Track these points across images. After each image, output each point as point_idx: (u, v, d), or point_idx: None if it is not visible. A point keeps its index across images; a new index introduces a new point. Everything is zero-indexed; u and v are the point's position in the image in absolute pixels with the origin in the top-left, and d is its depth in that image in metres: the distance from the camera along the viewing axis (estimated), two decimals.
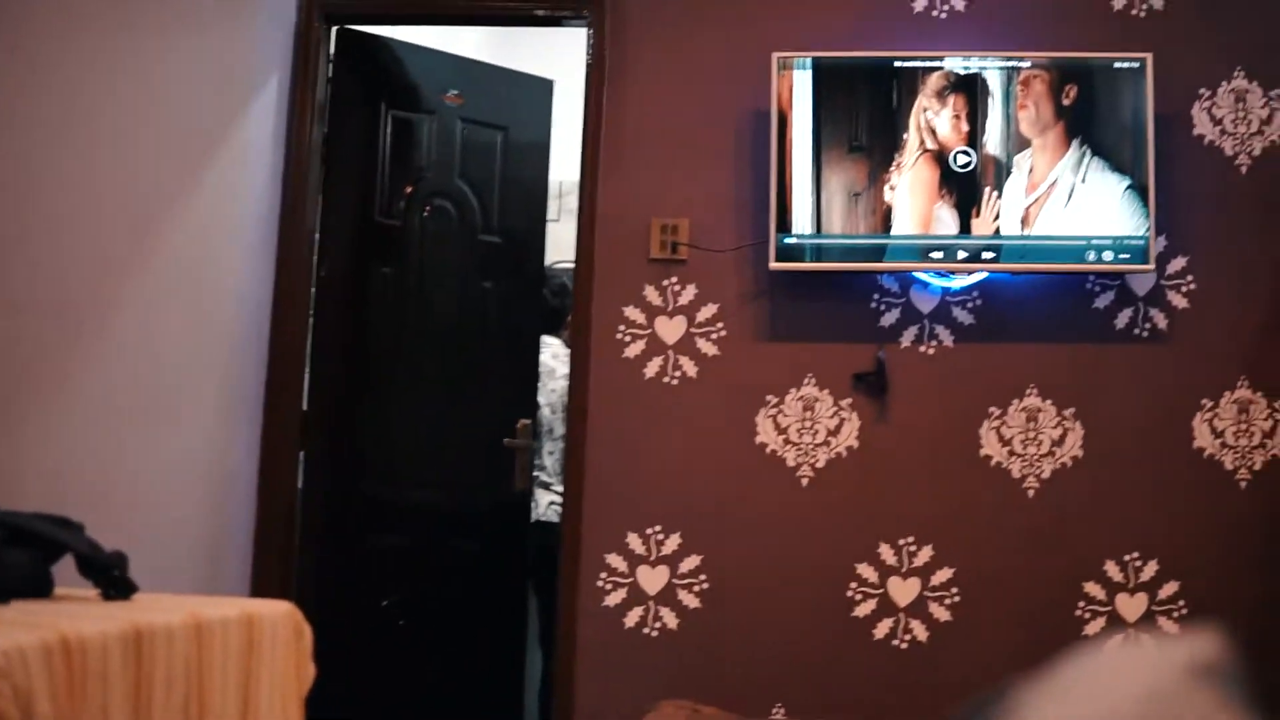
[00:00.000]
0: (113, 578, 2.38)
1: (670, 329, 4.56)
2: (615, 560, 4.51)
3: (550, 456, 5.33)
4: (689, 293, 4.56)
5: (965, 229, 4.38)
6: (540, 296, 5.32)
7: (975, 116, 4.42)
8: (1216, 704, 0.85)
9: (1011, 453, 4.43)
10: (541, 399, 5.33)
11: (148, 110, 3.91)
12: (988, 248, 4.37)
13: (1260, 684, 0.88)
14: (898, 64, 4.45)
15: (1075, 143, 4.38)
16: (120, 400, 3.81)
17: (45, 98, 3.45)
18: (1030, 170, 4.38)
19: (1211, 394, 4.41)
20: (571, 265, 4.71)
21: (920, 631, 4.40)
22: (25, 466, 3.40)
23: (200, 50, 4.20)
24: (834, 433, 4.48)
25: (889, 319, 4.50)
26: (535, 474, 5.25)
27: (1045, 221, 4.35)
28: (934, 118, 4.43)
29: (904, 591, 4.41)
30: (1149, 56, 4.38)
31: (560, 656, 4.54)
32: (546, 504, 5.28)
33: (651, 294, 4.58)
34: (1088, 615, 4.36)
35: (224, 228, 4.40)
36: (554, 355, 5.43)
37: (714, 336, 4.55)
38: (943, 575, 4.41)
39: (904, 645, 4.39)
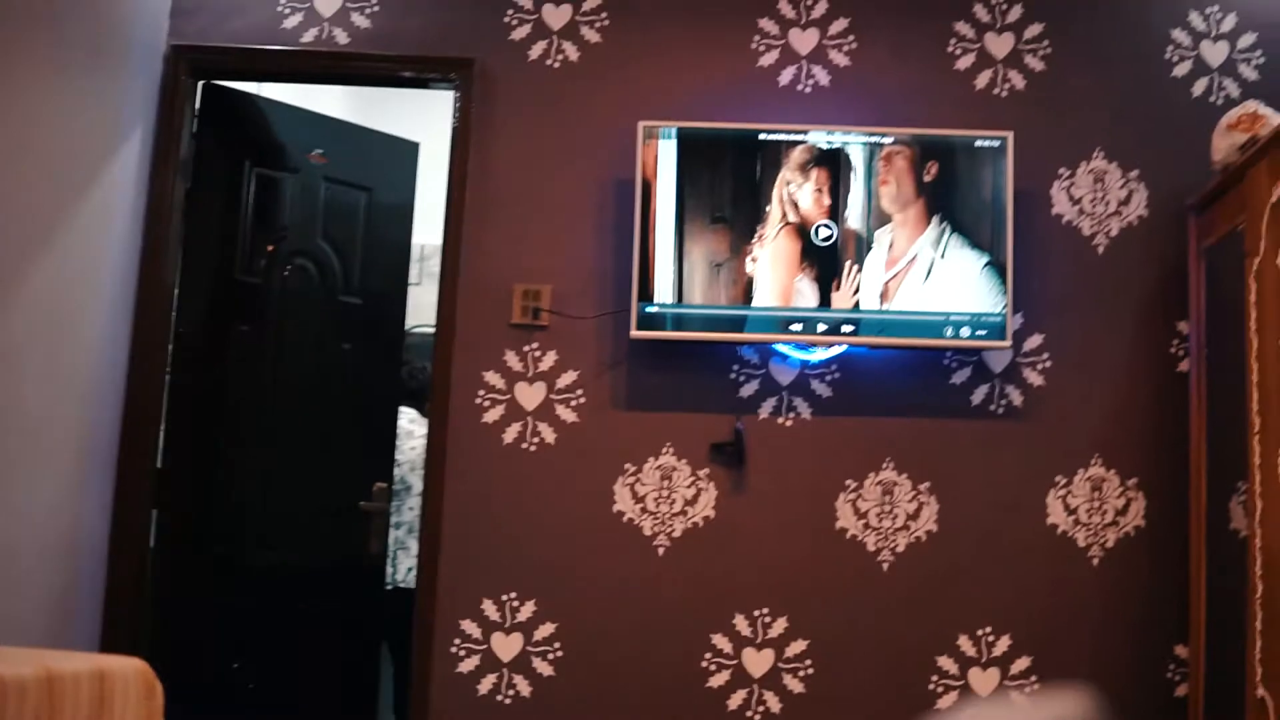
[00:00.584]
0: None
1: (530, 395, 4.53)
2: (469, 626, 4.45)
3: (411, 513, 5.29)
4: (550, 359, 4.54)
5: (825, 302, 4.39)
6: (398, 361, 5.27)
7: (837, 191, 4.45)
8: None
9: (867, 525, 4.43)
10: (400, 457, 5.29)
11: (11, 155, 3.83)
12: (847, 321, 4.39)
13: None
14: (762, 136, 4.47)
15: (936, 219, 4.41)
16: None
17: None
18: (891, 245, 4.41)
19: (1066, 471, 4.45)
20: (432, 330, 4.67)
21: (774, 703, 4.37)
22: None
23: (66, 98, 4.12)
24: (691, 502, 4.46)
25: (748, 390, 4.50)
26: (394, 531, 5.19)
27: (905, 296, 4.38)
28: (797, 191, 4.45)
29: (758, 663, 4.39)
30: (1010, 135, 4.44)
31: None
32: (405, 569, 5.22)
33: (512, 359, 4.55)
34: (940, 689, 4.36)
35: (83, 278, 4.32)
36: (411, 420, 5.42)
37: (574, 403, 4.52)
38: (797, 647, 4.39)
39: (757, 717, 4.36)
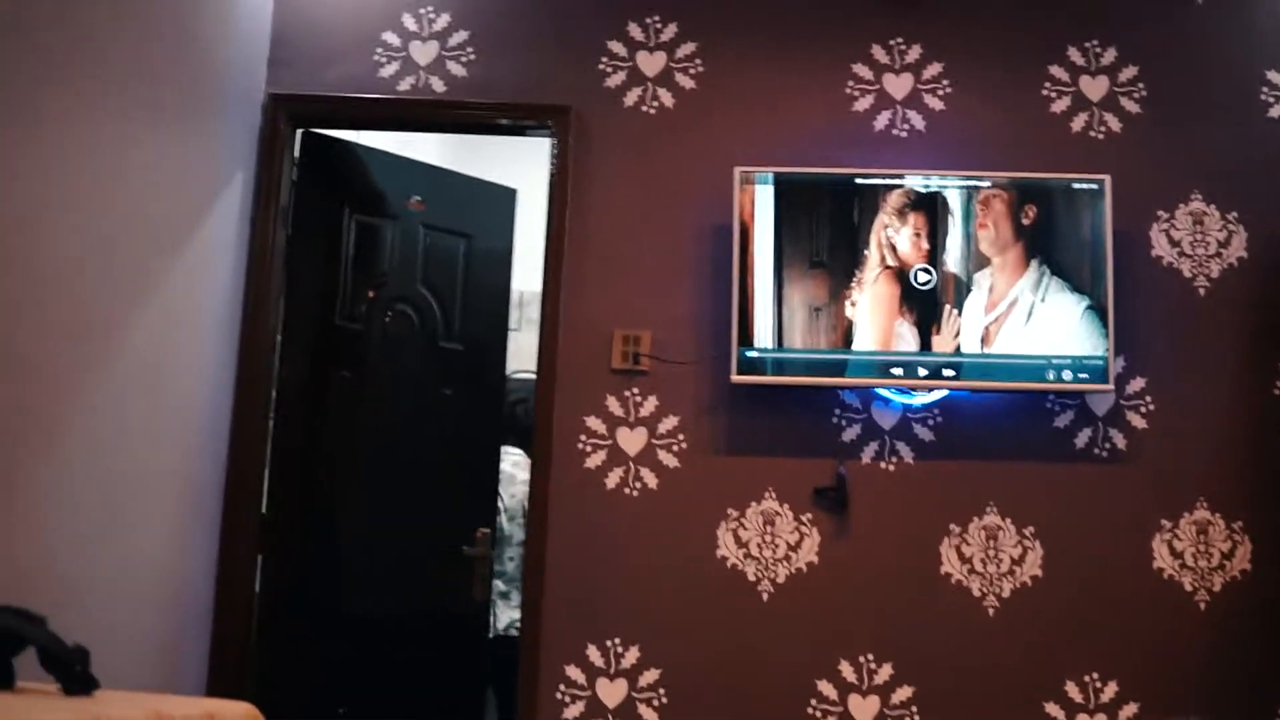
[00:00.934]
0: (75, 672, 2.35)
1: (631, 440, 4.55)
2: (574, 672, 4.46)
3: (511, 563, 5.29)
4: (650, 404, 4.56)
5: (926, 346, 4.40)
6: (500, 404, 5.29)
7: (935, 234, 4.46)
8: None
9: (971, 570, 4.43)
10: (500, 505, 5.30)
11: (112, 205, 3.88)
12: (948, 365, 4.39)
13: None
14: (859, 181, 4.49)
15: (1035, 262, 4.42)
16: (81, 498, 3.75)
17: (9, 185, 3.42)
18: (990, 289, 4.42)
19: (1170, 515, 4.43)
20: (533, 375, 4.69)
21: None
22: None
23: (165, 147, 4.18)
24: (794, 547, 4.46)
25: (850, 434, 4.51)
26: (495, 580, 5.20)
27: (1005, 340, 4.38)
28: (895, 235, 4.46)
29: (864, 709, 4.38)
30: (1107, 178, 4.44)
31: None
32: (508, 621, 5.23)
33: (613, 404, 4.57)
34: None
35: (185, 327, 4.36)
36: (514, 464, 5.41)
37: (675, 448, 4.54)
38: (903, 694, 4.38)
39: None
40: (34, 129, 3.52)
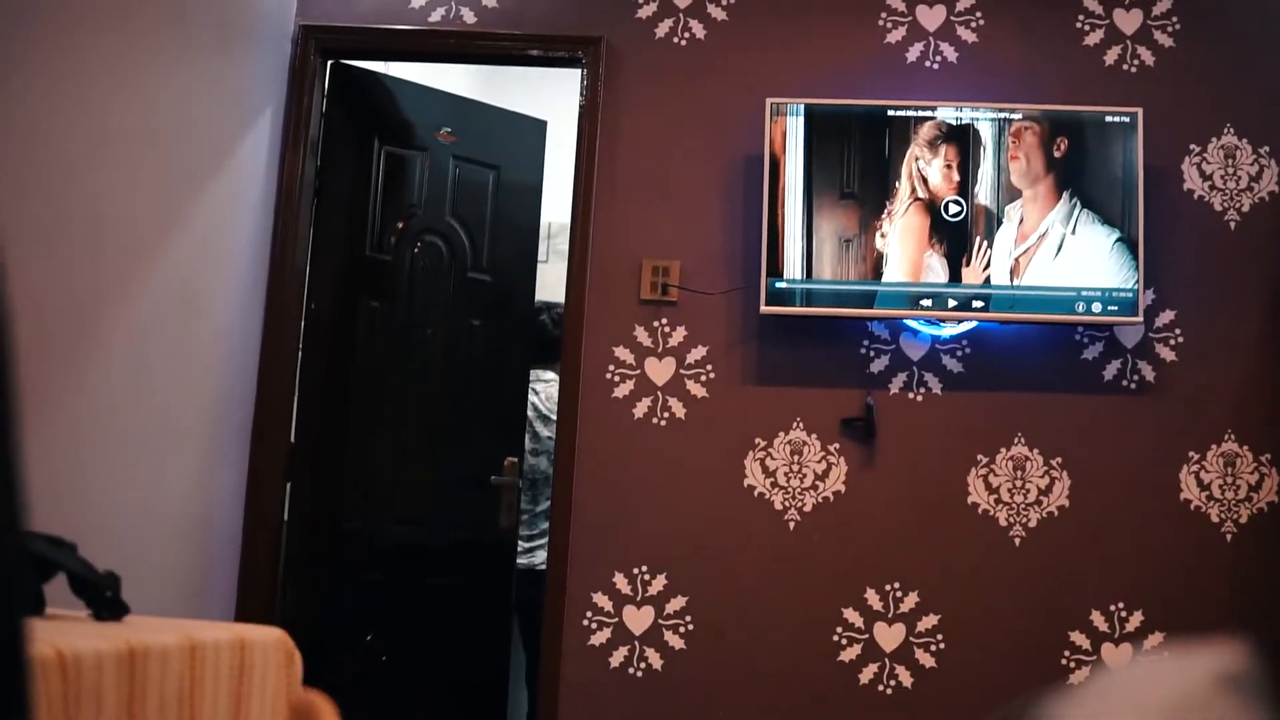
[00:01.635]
0: (105, 598, 2.35)
1: (660, 370, 4.56)
2: (601, 600, 4.49)
3: (547, 502, 5.30)
4: (679, 334, 4.57)
5: (955, 278, 4.40)
6: (531, 331, 5.27)
7: (967, 166, 4.45)
8: (1243, 709, 0.86)
9: (998, 501, 4.43)
10: (539, 446, 5.30)
11: (146, 135, 3.90)
12: (977, 297, 4.39)
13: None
14: (890, 113, 4.48)
15: (1066, 195, 4.41)
16: (110, 425, 3.78)
17: (48, 115, 3.44)
18: (1021, 221, 4.41)
19: (1198, 447, 4.43)
20: (560, 305, 4.70)
21: (905, 677, 4.38)
22: None
23: (197, 79, 4.20)
24: (821, 477, 4.48)
25: (878, 365, 4.52)
26: (537, 520, 5.23)
27: (1035, 272, 4.38)
28: (926, 167, 4.45)
29: (890, 637, 4.40)
30: (1140, 111, 4.42)
31: (543, 696, 4.51)
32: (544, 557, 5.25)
33: (642, 335, 4.58)
34: (1073, 664, 4.35)
35: (215, 257, 4.39)
36: (550, 398, 5.31)
37: (703, 379, 4.55)
38: (928, 622, 4.40)
39: (889, 691, 4.38)
40: (72, 60, 3.55)
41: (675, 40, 4.72)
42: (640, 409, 4.56)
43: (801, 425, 4.50)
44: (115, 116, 3.76)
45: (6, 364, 0.80)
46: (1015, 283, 4.38)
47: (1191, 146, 4.56)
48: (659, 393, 4.56)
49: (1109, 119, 4.44)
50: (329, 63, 4.86)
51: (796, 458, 4.49)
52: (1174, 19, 4.63)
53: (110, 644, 2.06)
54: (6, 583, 0.83)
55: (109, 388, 3.79)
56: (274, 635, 2.59)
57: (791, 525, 4.47)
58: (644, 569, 4.49)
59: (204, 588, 4.40)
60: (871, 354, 4.52)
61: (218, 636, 2.36)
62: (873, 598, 4.42)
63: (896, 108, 4.49)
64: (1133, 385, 4.46)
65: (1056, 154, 4.44)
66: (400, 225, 4.95)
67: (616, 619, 4.48)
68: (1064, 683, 4.28)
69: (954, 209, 4.43)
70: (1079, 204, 4.40)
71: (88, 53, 3.61)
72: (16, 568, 0.84)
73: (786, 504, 4.48)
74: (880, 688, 4.38)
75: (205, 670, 2.28)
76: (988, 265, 4.40)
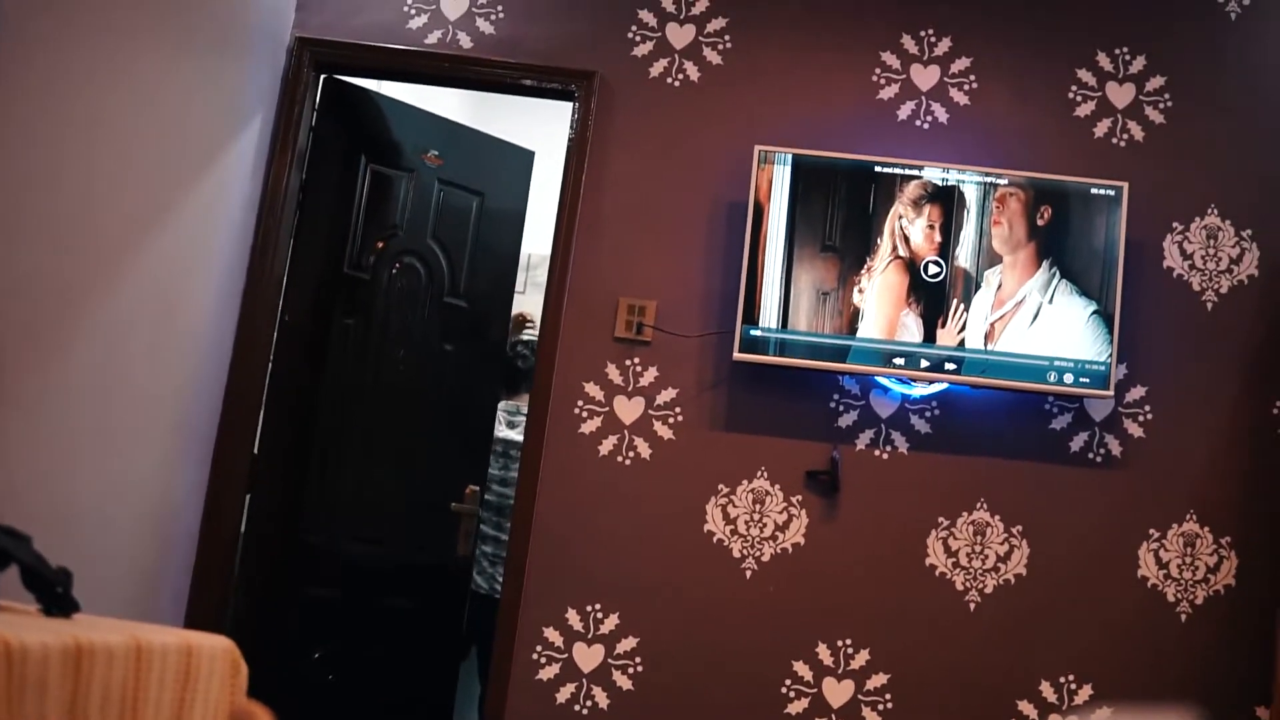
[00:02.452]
0: (56, 594, 2.34)
1: (628, 409, 4.56)
2: (552, 634, 4.47)
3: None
4: (650, 375, 4.56)
5: (930, 338, 4.40)
6: (502, 360, 5.28)
7: (949, 228, 4.45)
8: None
9: (956, 564, 4.43)
10: (509, 474, 5.27)
11: (135, 132, 3.89)
12: (951, 359, 4.39)
13: None
14: (878, 169, 4.49)
15: (1046, 263, 4.41)
16: (76, 420, 3.77)
17: (41, 103, 3.43)
18: (999, 286, 4.41)
19: (1159, 525, 4.43)
20: (534, 337, 4.70)
21: None
22: None
23: (191, 80, 4.19)
24: (782, 528, 4.47)
25: (847, 420, 4.51)
26: (496, 547, 5.21)
27: (1009, 338, 4.38)
28: (909, 225, 4.46)
29: (838, 693, 4.39)
30: (1125, 185, 4.43)
31: None
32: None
33: (613, 372, 4.58)
34: None
35: (194, 260, 4.37)
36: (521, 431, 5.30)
37: (671, 421, 4.54)
38: (878, 680, 4.39)
39: None
40: (69, 50, 3.54)
41: (669, 81, 4.73)
42: (606, 446, 4.55)
43: (765, 475, 4.50)
44: (110, 108, 3.75)
45: None
46: (989, 347, 4.38)
47: (1174, 224, 4.57)
48: (626, 432, 4.55)
49: (1094, 191, 4.45)
50: (322, 76, 4.86)
51: (758, 507, 4.48)
52: (1166, 96, 4.64)
53: (58, 639, 2.05)
54: None
55: (78, 383, 3.78)
56: (221, 644, 2.58)
57: (748, 574, 4.46)
58: (597, 607, 4.48)
59: (156, 590, 4.37)
60: (841, 408, 4.52)
61: (165, 641, 2.35)
62: (824, 652, 4.41)
63: (884, 164, 4.49)
64: (1099, 458, 4.46)
65: (1040, 222, 4.44)
66: (380, 244, 4.95)
67: (566, 655, 4.47)
68: None
69: (933, 269, 4.44)
70: (1058, 274, 4.41)
71: (81, 51, 3.60)
72: None
73: (745, 552, 4.47)
74: None
75: (150, 673, 2.27)
76: (963, 328, 4.40)
